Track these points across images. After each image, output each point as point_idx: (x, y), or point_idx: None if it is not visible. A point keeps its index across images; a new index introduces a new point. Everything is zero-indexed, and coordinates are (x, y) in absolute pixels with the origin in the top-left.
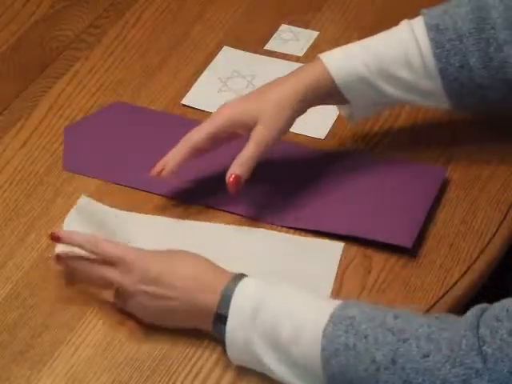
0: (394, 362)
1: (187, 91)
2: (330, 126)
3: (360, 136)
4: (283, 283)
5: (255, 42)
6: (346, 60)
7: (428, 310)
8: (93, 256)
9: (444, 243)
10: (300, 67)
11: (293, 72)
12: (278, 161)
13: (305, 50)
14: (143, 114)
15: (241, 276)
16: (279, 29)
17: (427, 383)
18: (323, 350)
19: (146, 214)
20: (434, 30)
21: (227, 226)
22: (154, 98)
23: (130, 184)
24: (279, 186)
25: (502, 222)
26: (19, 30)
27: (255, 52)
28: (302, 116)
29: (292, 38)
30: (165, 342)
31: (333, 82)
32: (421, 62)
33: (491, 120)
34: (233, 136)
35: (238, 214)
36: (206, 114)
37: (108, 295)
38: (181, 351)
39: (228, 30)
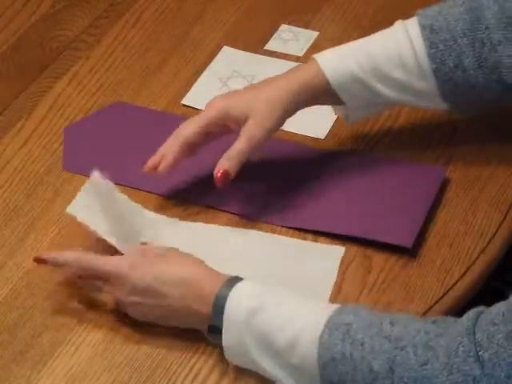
0: (392, 370)
1: (187, 91)
2: (330, 126)
3: (360, 136)
4: (278, 288)
5: (255, 42)
6: (340, 61)
7: (428, 310)
8: (83, 273)
9: (444, 243)
10: (295, 67)
11: (287, 72)
12: (278, 161)
13: (305, 50)
14: (143, 114)
15: (233, 281)
16: (279, 29)
17: None
18: (320, 358)
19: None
20: (428, 30)
21: (226, 227)
22: (154, 98)
23: (129, 184)
24: (279, 185)
25: (502, 222)
26: (19, 29)
27: (255, 52)
28: (302, 116)
29: (292, 38)
30: (165, 342)
31: (327, 82)
32: (415, 63)
33: (491, 120)
34: (224, 130)
35: (237, 214)
36: None
37: (108, 298)
38: (180, 351)
39: (228, 30)
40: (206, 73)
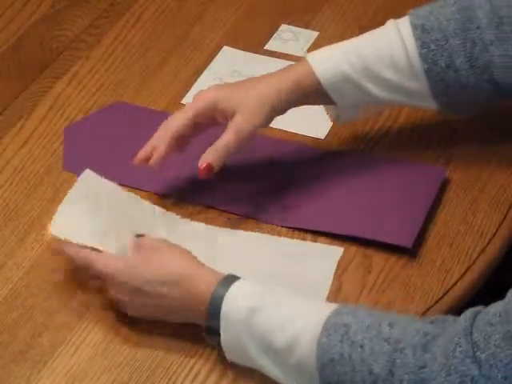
0: (391, 373)
1: (187, 91)
2: (330, 126)
3: (360, 136)
4: (276, 287)
5: (255, 42)
6: (331, 61)
7: (428, 310)
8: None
9: (444, 243)
10: (287, 66)
11: (279, 70)
12: (278, 161)
13: (305, 50)
14: (143, 114)
15: (230, 280)
16: (279, 29)
17: None
18: (318, 359)
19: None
20: (419, 30)
21: (225, 228)
22: (154, 98)
23: (129, 184)
24: (279, 185)
25: (502, 222)
26: (19, 29)
27: (255, 52)
28: (302, 116)
29: (292, 38)
30: (165, 342)
31: (318, 82)
32: (406, 63)
33: (491, 120)
34: (212, 122)
35: (237, 214)
36: None
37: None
38: (180, 351)
39: (228, 30)
40: (205, 73)
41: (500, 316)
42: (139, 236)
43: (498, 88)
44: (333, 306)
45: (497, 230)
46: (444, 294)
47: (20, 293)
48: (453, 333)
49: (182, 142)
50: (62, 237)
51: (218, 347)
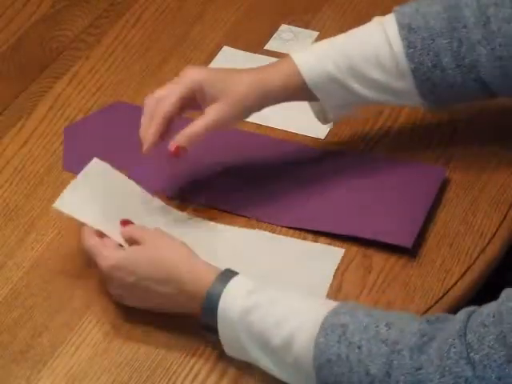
0: (388, 375)
1: None
2: (330, 126)
3: (360, 136)
4: (274, 285)
5: (255, 42)
6: (317, 60)
7: (428, 310)
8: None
9: (444, 243)
10: (273, 63)
11: (266, 67)
12: (278, 161)
13: None
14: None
15: (227, 276)
16: (279, 29)
17: None
18: (315, 359)
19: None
20: (406, 29)
21: (227, 226)
22: None
23: None
24: (279, 185)
25: (502, 222)
26: (19, 29)
27: (255, 52)
28: (302, 116)
29: (292, 38)
30: (164, 342)
31: (304, 82)
32: (393, 63)
33: (491, 120)
34: (193, 103)
35: (237, 214)
36: None
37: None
38: (180, 351)
39: (228, 30)
40: None
41: (494, 317)
42: (126, 222)
43: (485, 87)
44: (330, 305)
45: (497, 230)
46: (444, 294)
47: (20, 293)
48: (447, 334)
49: (169, 125)
50: (65, 211)
51: (217, 342)
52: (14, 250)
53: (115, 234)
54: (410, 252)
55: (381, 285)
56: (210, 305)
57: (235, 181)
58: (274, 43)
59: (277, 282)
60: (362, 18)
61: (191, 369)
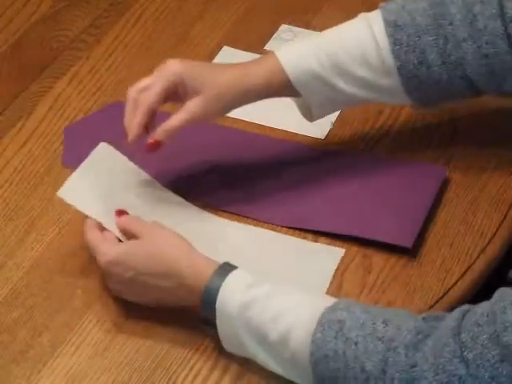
0: (384, 372)
1: None
2: (330, 126)
3: (360, 136)
4: (272, 280)
5: (255, 42)
6: (301, 58)
7: (428, 310)
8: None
9: (444, 243)
10: (255, 60)
11: (250, 63)
12: (278, 161)
13: None
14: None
15: (224, 271)
16: (279, 29)
17: None
18: (312, 355)
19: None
20: (392, 26)
21: (229, 221)
22: None
23: None
24: (279, 185)
25: (502, 222)
26: (19, 29)
27: (255, 52)
28: (302, 116)
29: (292, 38)
30: (164, 342)
31: (288, 80)
32: (379, 60)
33: (491, 120)
34: (175, 95)
35: (237, 214)
36: None
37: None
38: (180, 351)
39: (228, 30)
40: None
41: (487, 316)
42: (121, 212)
43: (471, 84)
44: (328, 301)
45: (497, 229)
46: (444, 294)
47: (20, 293)
48: (442, 332)
49: (153, 115)
50: (68, 200)
51: (217, 336)
52: (14, 250)
53: (115, 227)
54: (409, 252)
55: (381, 285)
56: (209, 299)
57: (235, 181)
58: (274, 43)
59: (275, 280)
60: None
61: (191, 369)
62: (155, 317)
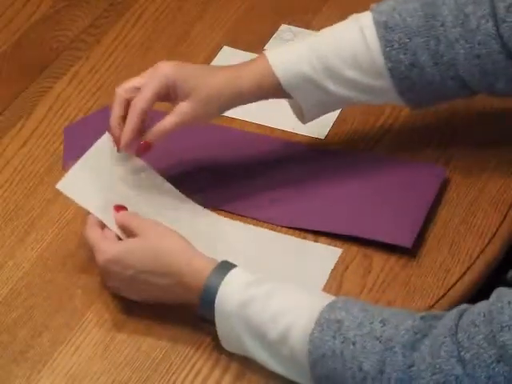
0: (381, 372)
1: None
2: (330, 126)
3: (360, 135)
4: (270, 278)
5: (255, 42)
6: (291, 61)
7: (428, 310)
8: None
9: (444, 243)
10: (247, 63)
11: (239, 66)
12: (278, 160)
13: None
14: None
15: (223, 270)
16: (279, 29)
17: None
18: (310, 354)
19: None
20: (382, 28)
21: (228, 219)
22: None
23: None
24: (279, 185)
25: (502, 222)
26: (19, 29)
27: (255, 52)
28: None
29: (292, 38)
30: (164, 342)
31: (279, 83)
32: (370, 62)
33: (491, 120)
34: (166, 97)
35: (237, 214)
36: None
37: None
38: (180, 351)
39: (228, 30)
40: None
41: (484, 316)
42: (120, 208)
43: (464, 85)
44: (326, 299)
45: (497, 229)
46: (444, 294)
47: (20, 293)
48: (439, 332)
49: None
50: (68, 194)
51: (217, 335)
52: (14, 250)
53: (113, 223)
54: (410, 252)
55: (381, 285)
56: (208, 298)
57: (235, 181)
58: (274, 43)
59: (274, 279)
60: None
61: (191, 369)
62: (155, 317)
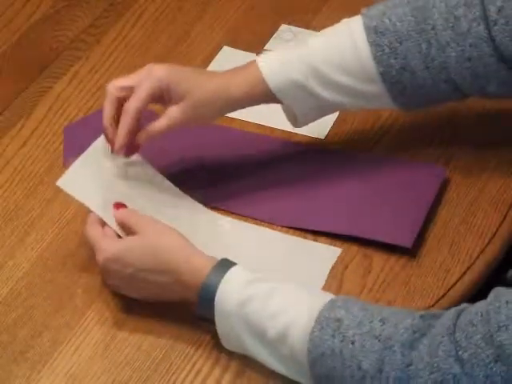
0: (380, 370)
1: None
2: (330, 126)
3: (360, 136)
4: (270, 276)
5: (255, 42)
6: (282, 67)
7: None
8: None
9: (444, 243)
10: (239, 68)
11: (232, 72)
12: (278, 160)
13: None
14: (143, 114)
15: (222, 268)
16: (279, 29)
17: None
18: (309, 353)
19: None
20: (373, 32)
21: (229, 219)
22: None
23: None
24: (279, 185)
25: (501, 222)
26: (19, 29)
27: (255, 52)
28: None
29: (292, 38)
30: (164, 341)
31: (269, 89)
32: (361, 68)
33: (491, 120)
34: (159, 99)
35: (237, 214)
36: None
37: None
38: (180, 351)
39: (228, 30)
40: None
41: (481, 316)
42: (119, 205)
43: (456, 88)
44: (326, 298)
45: (497, 229)
46: (444, 294)
47: (20, 293)
48: (437, 331)
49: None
50: (68, 191)
51: (216, 332)
52: (14, 250)
53: (113, 221)
54: (410, 252)
55: (381, 285)
56: (207, 296)
57: (235, 180)
58: (274, 43)
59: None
60: None
61: (191, 369)
62: (155, 316)
